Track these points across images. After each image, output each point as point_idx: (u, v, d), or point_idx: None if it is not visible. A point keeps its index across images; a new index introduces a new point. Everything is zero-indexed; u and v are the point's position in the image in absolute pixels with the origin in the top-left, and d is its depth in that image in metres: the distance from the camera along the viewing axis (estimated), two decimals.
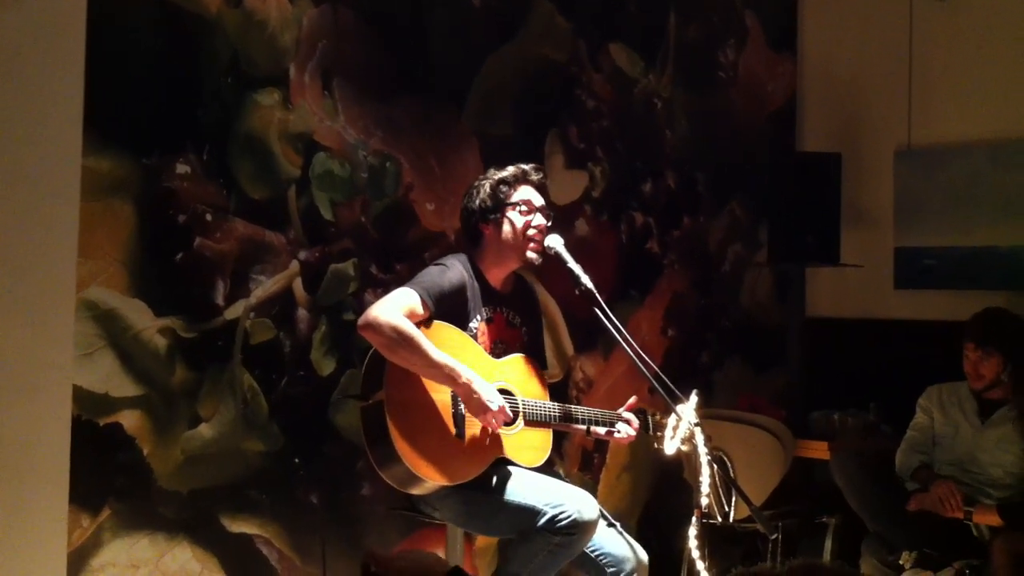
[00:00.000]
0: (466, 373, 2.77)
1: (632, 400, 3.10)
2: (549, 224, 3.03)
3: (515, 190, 3.02)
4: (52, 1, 2.83)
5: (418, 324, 2.78)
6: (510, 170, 3.05)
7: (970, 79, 4.99)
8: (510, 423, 2.89)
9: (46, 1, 2.82)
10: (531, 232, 2.98)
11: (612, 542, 2.93)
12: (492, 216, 3.00)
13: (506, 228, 2.99)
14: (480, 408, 2.77)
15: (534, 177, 3.06)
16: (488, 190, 3.02)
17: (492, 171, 3.08)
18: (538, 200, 3.03)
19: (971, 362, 3.86)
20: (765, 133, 5.37)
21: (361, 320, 2.78)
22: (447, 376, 2.77)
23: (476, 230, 3.04)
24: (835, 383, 4.95)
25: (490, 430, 2.83)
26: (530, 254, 2.99)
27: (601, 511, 2.87)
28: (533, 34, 4.17)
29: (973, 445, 3.86)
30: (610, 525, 2.95)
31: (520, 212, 2.99)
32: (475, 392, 2.76)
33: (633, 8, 4.63)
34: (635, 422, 3.05)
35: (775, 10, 5.46)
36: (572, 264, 2.96)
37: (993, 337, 3.83)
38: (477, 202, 3.02)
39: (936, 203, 4.98)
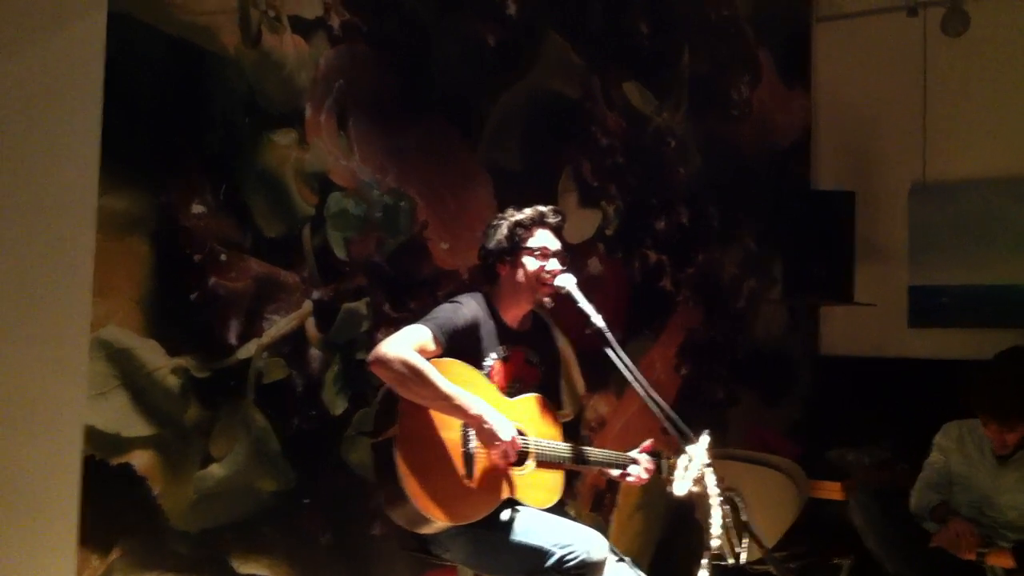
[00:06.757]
0: (477, 404, 2.76)
1: (648, 443, 3.09)
2: (564, 268, 3.03)
3: (531, 233, 3.02)
4: (71, 40, 2.84)
5: (428, 360, 2.76)
6: (528, 212, 3.05)
7: (984, 114, 5.01)
8: (519, 461, 2.86)
9: (65, 40, 2.82)
10: (544, 276, 2.99)
11: None
12: (508, 258, 3.01)
13: (520, 271, 3.00)
14: (490, 438, 2.75)
15: (551, 220, 3.06)
16: (505, 232, 3.03)
17: (511, 211, 3.08)
18: (554, 244, 3.04)
19: (996, 435, 3.74)
20: (778, 169, 5.37)
21: (371, 356, 2.76)
22: (457, 407, 2.75)
23: (492, 269, 3.06)
24: (849, 421, 4.93)
25: (500, 471, 2.81)
26: (543, 297, 3.00)
27: (611, 548, 2.85)
28: (546, 71, 4.19)
29: (991, 486, 3.82)
30: (620, 560, 2.93)
31: (535, 257, 3.00)
32: (486, 423, 2.74)
33: (646, 45, 4.64)
34: (648, 464, 3.04)
35: (788, 46, 5.47)
36: (583, 303, 2.95)
37: (1015, 411, 3.67)
38: (493, 243, 3.04)
39: (951, 240, 4.98)
